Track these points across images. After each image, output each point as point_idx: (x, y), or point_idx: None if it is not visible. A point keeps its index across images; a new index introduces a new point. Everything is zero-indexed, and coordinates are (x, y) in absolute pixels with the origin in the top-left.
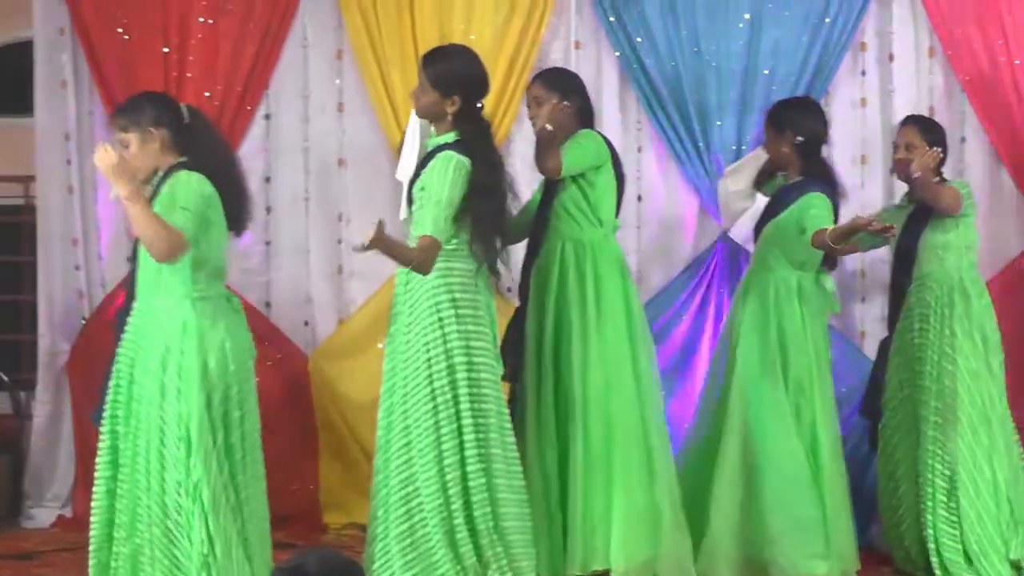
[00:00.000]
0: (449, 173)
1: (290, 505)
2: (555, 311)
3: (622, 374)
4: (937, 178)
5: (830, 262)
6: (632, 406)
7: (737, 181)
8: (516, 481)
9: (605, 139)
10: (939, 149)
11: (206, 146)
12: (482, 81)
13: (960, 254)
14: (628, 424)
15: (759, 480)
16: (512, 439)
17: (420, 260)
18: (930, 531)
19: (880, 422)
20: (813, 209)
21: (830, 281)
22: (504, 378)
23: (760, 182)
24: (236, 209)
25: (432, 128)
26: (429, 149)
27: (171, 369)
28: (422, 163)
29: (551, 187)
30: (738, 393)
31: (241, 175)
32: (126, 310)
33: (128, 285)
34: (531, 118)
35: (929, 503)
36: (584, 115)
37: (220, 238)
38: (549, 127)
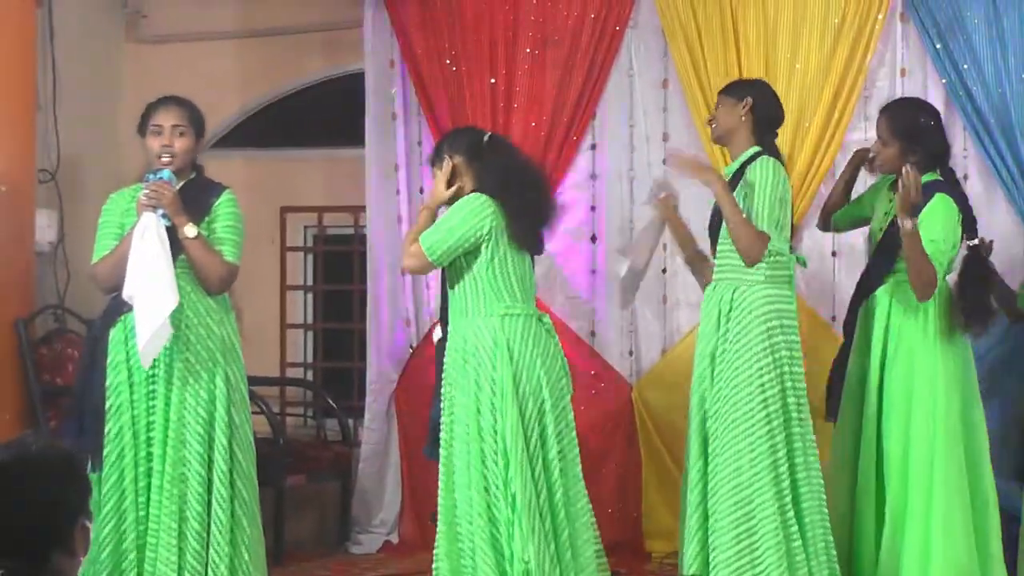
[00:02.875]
0: (771, 173)
1: (614, 532)
2: (882, 351)
3: (949, 418)
4: None
5: None
6: (956, 449)
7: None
8: (825, 508)
9: (958, 199)
10: None
11: (499, 171)
12: (781, 112)
13: None
14: (952, 468)
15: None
16: (818, 466)
17: (752, 239)
18: None
19: None
20: None
21: None
22: (826, 418)
23: None
24: (529, 231)
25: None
26: (733, 170)
27: (485, 385)
28: (736, 176)
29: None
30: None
31: (537, 199)
32: (444, 340)
33: (441, 313)
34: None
35: None
36: (931, 159)
37: (516, 257)
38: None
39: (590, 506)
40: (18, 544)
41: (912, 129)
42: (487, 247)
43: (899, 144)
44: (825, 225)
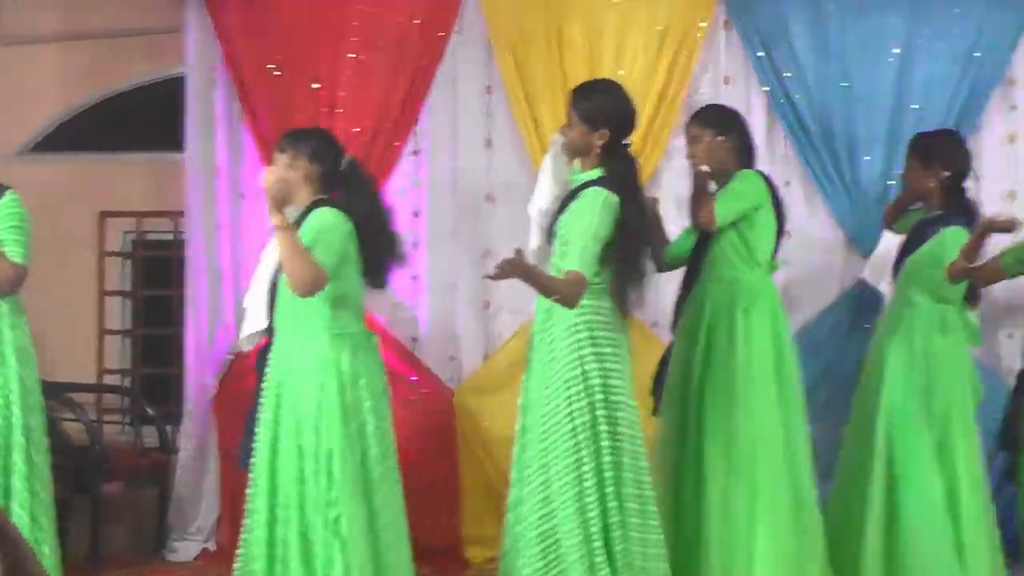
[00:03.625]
0: (598, 209)
1: (433, 538)
2: (704, 351)
3: (769, 418)
4: None
5: (973, 296)
6: (778, 449)
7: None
8: (651, 520)
9: (766, 178)
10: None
11: (358, 196)
12: (631, 116)
13: None
14: (774, 466)
15: (900, 524)
16: (648, 478)
17: (565, 293)
18: None
19: (1018, 454)
20: (954, 245)
21: (973, 315)
22: (653, 412)
23: (892, 219)
24: (377, 262)
25: (576, 163)
26: (574, 185)
27: (311, 405)
28: (568, 197)
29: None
30: (884, 434)
31: (391, 233)
32: (267, 349)
33: (268, 322)
34: (688, 157)
35: None
36: (743, 152)
37: (358, 277)
38: (706, 168)
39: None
40: None
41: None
42: (341, 266)
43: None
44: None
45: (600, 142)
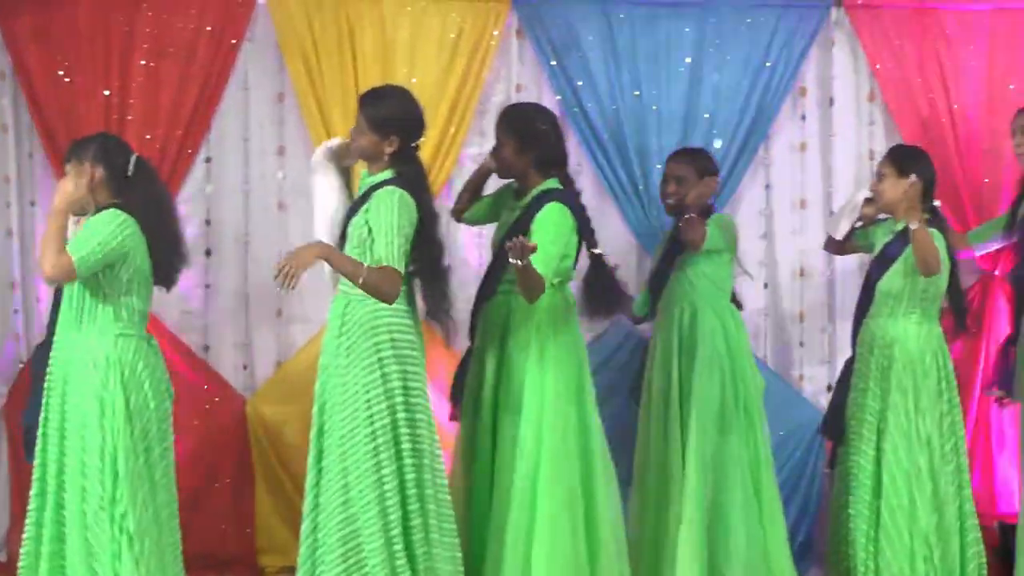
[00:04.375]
0: (395, 206)
1: (227, 547)
2: (498, 357)
3: (565, 421)
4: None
5: (737, 302)
6: (572, 453)
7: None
8: (447, 524)
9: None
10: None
11: (145, 198)
12: (419, 122)
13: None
14: (564, 472)
15: (721, 522)
16: (444, 480)
17: (377, 281)
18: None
19: (840, 443)
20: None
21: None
22: (451, 418)
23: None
24: (166, 265)
25: (366, 168)
26: (364, 188)
27: (94, 403)
28: (360, 200)
29: (512, 231)
30: (695, 434)
31: (178, 234)
32: (46, 345)
33: (50, 321)
34: (487, 164)
35: (863, 541)
36: (545, 162)
37: (144, 282)
38: (494, 165)
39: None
40: None
41: (529, 131)
42: (122, 266)
43: (514, 144)
44: (458, 218)
45: (390, 149)
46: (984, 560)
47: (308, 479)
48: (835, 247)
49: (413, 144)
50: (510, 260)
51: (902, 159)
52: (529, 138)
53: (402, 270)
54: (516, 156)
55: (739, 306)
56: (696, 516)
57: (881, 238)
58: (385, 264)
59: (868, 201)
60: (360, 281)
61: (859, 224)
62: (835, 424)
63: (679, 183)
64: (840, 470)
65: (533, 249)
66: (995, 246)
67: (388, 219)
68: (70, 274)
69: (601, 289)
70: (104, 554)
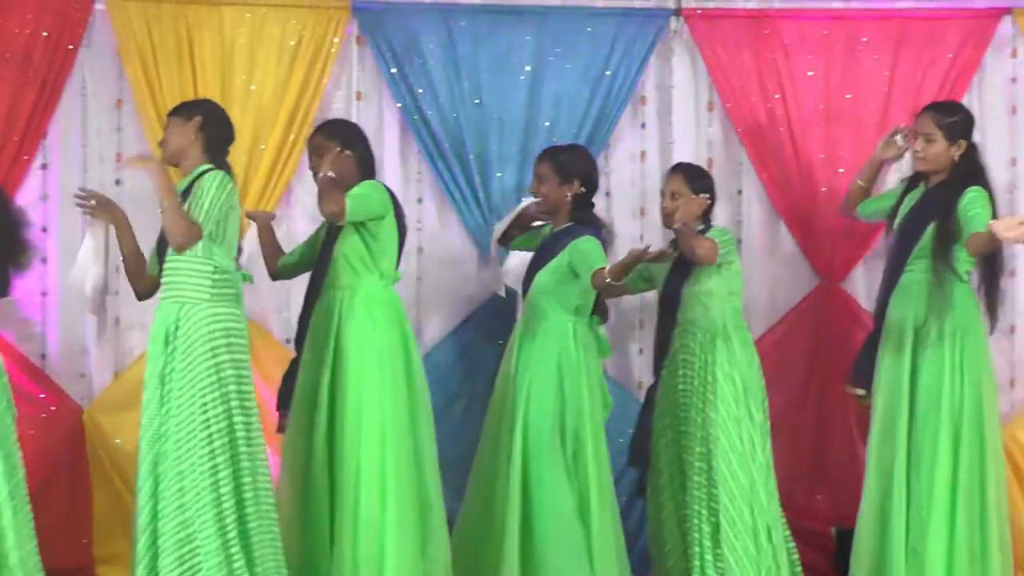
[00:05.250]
0: (216, 184)
1: (64, 559)
2: (332, 362)
3: (397, 425)
4: (702, 225)
5: (601, 311)
6: (408, 457)
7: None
8: (274, 525)
9: (388, 190)
10: (705, 196)
11: None
12: (231, 130)
13: (723, 300)
14: (404, 476)
15: (535, 536)
16: (270, 482)
17: (180, 218)
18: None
19: (647, 469)
20: (590, 254)
21: (602, 328)
22: (279, 429)
23: (512, 236)
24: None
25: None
26: (186, 184)
27: None
28: (189, 187)
29: (331, 237)
30: (520, 447)
31: (15, 239)
32: None
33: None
34: (312, 168)
35: (696, 549)
36: (366, 165)
37: None
38: (332, 174)
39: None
40: None
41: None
42: None
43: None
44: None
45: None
46: (796, 554)
47: (141, 488)
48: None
49: (226, 148)
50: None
51: (695, 179)
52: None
53: (219, 253)
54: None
55: (605, 316)
56: (516, 528)
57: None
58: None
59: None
60: (168, 203)
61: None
62: (642, 450)
63: (540, 180)
64: (651, 492)
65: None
66: (879, 219)
67: (206, 196)
68: None
69: None
70: None
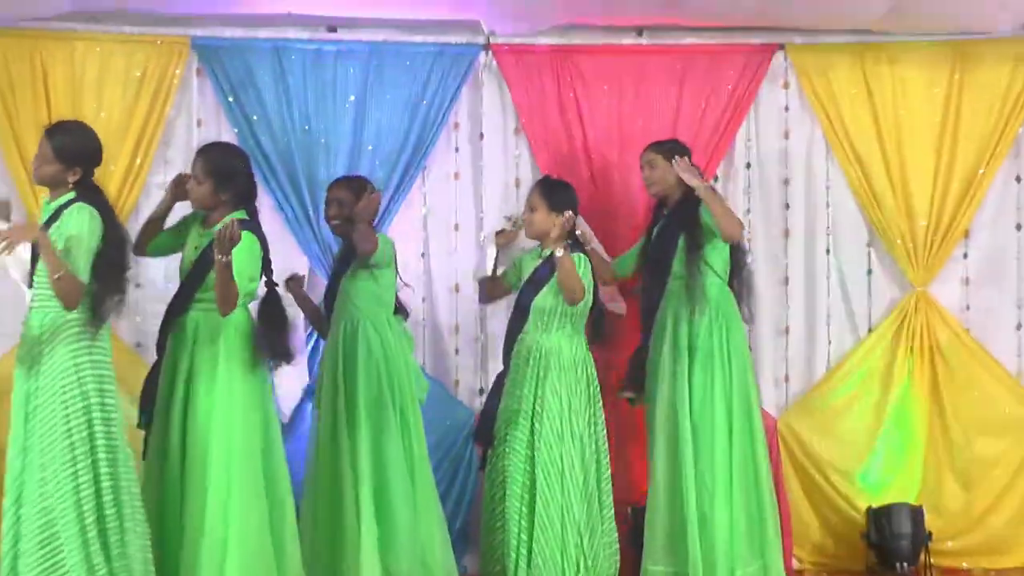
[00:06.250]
0: (86, 222)
1: None
2: (187, 367)
3: (250, 424)
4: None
5: (403, 310)
6: (254, 451)
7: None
8: (140, 516)
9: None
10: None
11: None
12: (99, 154)
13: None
14: (248, 471)
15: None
16: (135, 478)
17: (71, 286)
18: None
19: (490, 448)
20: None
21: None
22: (139, 426)
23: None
24: None
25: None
26: (50, 211)
27: None
28: (52, 217)
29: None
30: (364, 437)
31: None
32: None
33: None
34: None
35: (514, 542)
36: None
37: None
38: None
39: None
40: None
41: (224, 170)
42: None
43: (212, 182)
44: (141, 251)
45: (74, 177)
46: (617, 545)
47: (8, 490)
48: (488, 296)
49: (92, 173)
50: (215, 254)
51: (553, 194)
52: (223, 178)
53: (86, 281)
54: (212, 194)
55: (406, 314)
56: (370, 511)
57: (529, 264)
58: (78, 275)
59: (499, 233)
60: (58, 276)
61: (496, 254)
62: (486, 430)
63: (340, 205)
64: (491, 470)
65: (239, 240)
66: (636, 267)
67: (78, 233)
68: None
69: (273, 316)
70: None
